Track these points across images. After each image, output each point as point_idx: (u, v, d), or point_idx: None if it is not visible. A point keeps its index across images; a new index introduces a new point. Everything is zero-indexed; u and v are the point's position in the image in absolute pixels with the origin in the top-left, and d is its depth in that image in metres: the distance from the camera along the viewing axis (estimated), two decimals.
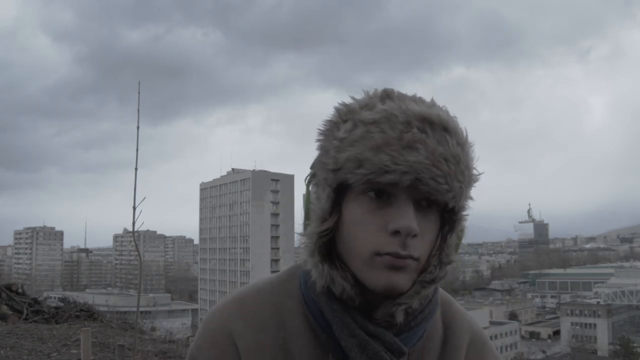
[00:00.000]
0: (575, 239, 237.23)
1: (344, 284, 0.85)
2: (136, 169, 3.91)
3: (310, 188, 0.91)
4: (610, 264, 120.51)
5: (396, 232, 0.81)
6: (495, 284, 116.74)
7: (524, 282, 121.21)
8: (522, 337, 71.91)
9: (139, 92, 3.82)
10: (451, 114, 0.88)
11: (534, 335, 78.22)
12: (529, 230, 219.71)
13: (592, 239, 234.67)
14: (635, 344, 57.33)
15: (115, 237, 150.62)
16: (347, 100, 0.90)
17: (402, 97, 0.87)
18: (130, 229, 3.84)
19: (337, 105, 0.89)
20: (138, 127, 3.83)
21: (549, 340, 74.90)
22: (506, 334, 64.38)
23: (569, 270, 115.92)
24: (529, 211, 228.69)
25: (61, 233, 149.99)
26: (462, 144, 0.84)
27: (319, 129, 0.89)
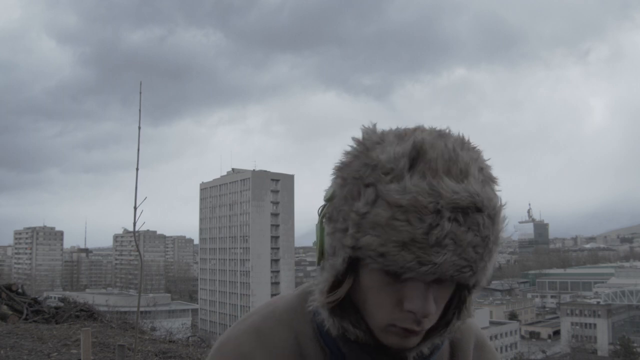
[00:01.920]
0: (575, 239, 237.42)
1: (357, 333, 0.85)
2: (137, 169, 3.91)
3: (324, 224, 0.85)
4: (610, 264, 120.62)
5: (411, 312, 0.78)
6: (495, 284, 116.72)
7: (524, 282, 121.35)
8: (522, 337, 71.97)
9: (140, 93, 3.82)
10: (479, 154, 0.83)
11: (534, 335, 78.24)
12: (529, 230, 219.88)
13: (592, 239, 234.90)
14: (635, 344, 57.40)
15: (115, 237, 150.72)
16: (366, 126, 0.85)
17: (435, 160, 0.77)
18: (130, 229, 3.84)
19: (356, 144, 0.82)
20: (139, 127, 3.83)
21: (549, 340, 74.94)
22: (506, 334, 64.42)
23: (569, 270, 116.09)
24: (529, 211, 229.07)
25: (61, 233, 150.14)
26: (494, 217, 0.78)
27: (337, 168, 0.84)
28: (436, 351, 0.92)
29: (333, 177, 0.84)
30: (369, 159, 0.79)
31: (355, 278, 0.82)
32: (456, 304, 0.86)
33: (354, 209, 0.77)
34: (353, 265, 0.81)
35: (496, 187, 0.82)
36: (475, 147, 0.84)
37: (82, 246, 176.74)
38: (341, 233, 0.80)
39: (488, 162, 0.84)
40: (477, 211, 0.76)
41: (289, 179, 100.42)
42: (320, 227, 0.86)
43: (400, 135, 0.81)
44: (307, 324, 0.91)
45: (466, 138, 0.84)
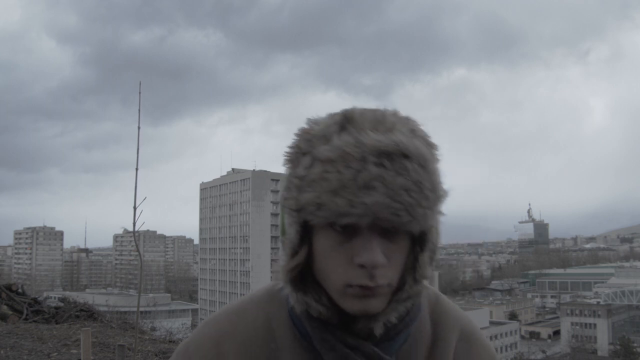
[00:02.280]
0: (575, 239, 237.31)
1: (319, 308, 0.87)
2: (137, 169, 3.91)
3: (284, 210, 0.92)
4: (610, 264, 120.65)
5: (362, 266, 0.82)
6: (495, 284, 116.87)
7: (524, 282, 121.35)
8: (522, 337, 71.96)
9: (139, 92, 3.83)
10: (414, 122, 0.88)
11: (534, 335, 78.25)
12: (529, 230, 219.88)
13: (592, 239, 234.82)
14: (635, 344, 57.39)
15: (115, 237, 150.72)
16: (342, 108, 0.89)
17: (362, 122, 0.84)
18: (130, 229, 3.84)
19: (297, 130, 0.89)
20: (139, 127, 3.83)
21: (549, 340, 74.95)
22: (506, 334, 64.42)
23: (569, 270, 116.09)
24: (529, 211, 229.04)
25: (61, 233, 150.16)
26: (425, 166, 0.82)
27: (284, 155, 0.89)
28: (405, 329, 0.93)
29: (285, 164, 0.90)
30: (306, 134, 0.87)
31: (310, 248, 0.87)
32: (411, 264, 0.88)
33: (295, 176, 0.85)
34: (306, 235, 0.87)
35: (434, 151, 0.86)
36: (409, 117, 0.88)
37: (82, 246, 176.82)
38: (288, 204, 0.86)
39: (423, 128, 0.88)
40: (404, 157, 0.80)
41: None
42: (282, 210, 0.92)
43: (333, 114, 0.89)
44: (281, 306, 0.95)
45: (402, 113, 0.89)
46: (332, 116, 0.88)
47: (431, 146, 0.87)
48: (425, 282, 0.91)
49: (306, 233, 0.87)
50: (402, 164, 0.80)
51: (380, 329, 0.88)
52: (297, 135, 0.89)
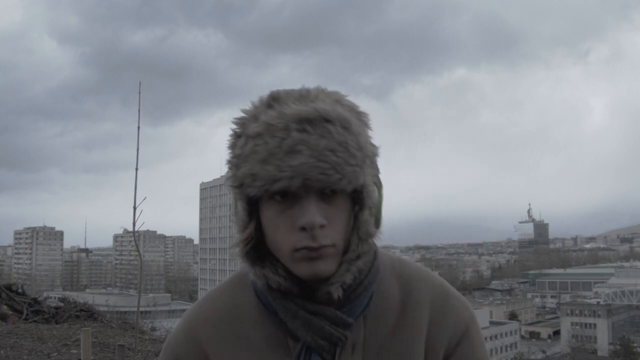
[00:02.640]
0: (575, 239, 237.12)
1: (278, 279, 0.92)
2: (137, 169, 3.91)
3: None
4: (610, 264, 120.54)
5: (303, 229, 0.87)
6: (495, 284, 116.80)
7: (524, 282, 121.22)
8: (522, 337, 71.93)
9: (139, 92, 3.82)
10: (339, 94, 0.94)
11: (534, 335, 78.21)
12: (529, 230, 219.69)
13: (592, 239, 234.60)
14: (635, 344, 57.37)
15: (115, 237, 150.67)
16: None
17: (287, 98, 0.90)
18: (130, 229, 3.84)
19: (233, 118, 0.95)
20: (139, 127, 3.83)
21: (549, 340, 74.91)
22: (506, 334, 64.41)
23: (569, 270, 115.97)
24: (529, 211, 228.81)
25: (61, 233, 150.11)
26: (348, 127, 0.87)
27: (227, 143, 0.96)
28: (365, 291, 0.96)
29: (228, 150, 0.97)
30: (240, 119, 0.93)
31: (259, 222, 0.93)
32: (355, 225, 0.93)
33: (233, 156, 0.92)
34: (254, 210, 0.93)
35: (363, 118, 0.94)
36: (337, 91, 0.95)
37: (82, 246, 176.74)
38: (230, 180, 0.93)
39: (350, 99, 0.95)
40: (326, 121, 0.86)
41: None
42: (235, 200, 0.97)
43: (262, 96, 0.95)
44: (247, 286, 1.01)
45: (329, 89, 0.95)
46: (260, 98, 0.94)
47: (358, 113, 0.93)
48: (374, 241, 0.96)
49: (253, 209, 0.93)
50: (324, 128, 0.86)
51: (337, 291, 0.91)
52: (233, 122, 0.94)
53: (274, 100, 0.91)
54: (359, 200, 0.92)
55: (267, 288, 0.95)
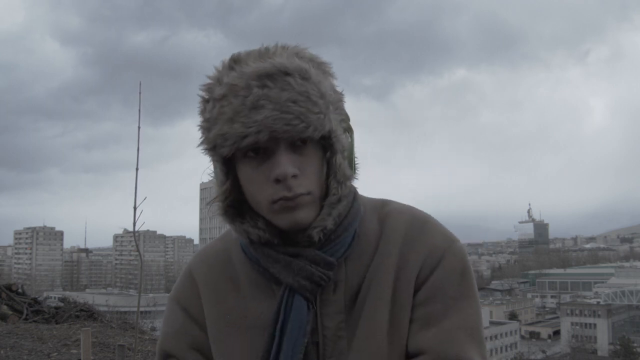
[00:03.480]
0: (575, 239, 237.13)
1: (258, 232, 0.96)
2: (137, 169, 3.91)
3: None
4: (610, 264, 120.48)
5: (277, 180, 0.90)
6: (495, 284, 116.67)
7: (524, 282, 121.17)
8: (522, 337, 71.90)
9: (140, 92, 3.82)
10: (299, 48, 0.96)
11: (534, 335, 78.17)
12: (529, 230, 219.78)
13: (592, 239, 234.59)
14: (635, 344, 57.34)
15: (115, 237, 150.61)
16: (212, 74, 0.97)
17: (247, 58, 0.93)
18: (130, 229, 3.83)
19: (200, 84, 0.97)
20: (139, 127, 3.83)
21: (549, 340, 74.87)
22: (506, 334, 64.39)
23: (569, 270, 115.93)
24: (529, 211, 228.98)
25: (61, 233, 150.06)
26: (307, 77, 0.90)
27: (198, 110, 0.98)
28: (345, 232, 0.99)
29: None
30: (206, 86, 0.96)
31: (235, 181, 0.97)
32: (329, 169, 0.96)
33: (203, 120, 0.95)
34: (230, 170, 0.97)
35: (324, 67, 0.97)
36: (297, 46, 0.97)
37: (82, 246, 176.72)
38: (203, 144, 0.96)
39: (311, 52, 0.97)
40: (286, 75, 0.89)
41: None
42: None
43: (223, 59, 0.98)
44: (236, 240, 1.07)
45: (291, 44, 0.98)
46: (223, 62, 0.96)
47: (319, 64, 0.96)
48: (350, 182, 0.99)
49: (229, 169, 0.96)
50: (284, 81, 0.88)
51: (318, 234, 0.94)
52: (200, 88, 0.97)
53: (234, 62, 0.93)
54: (329, 146, 0.95)
55: (249, 242, 0.99)
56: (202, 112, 0.96)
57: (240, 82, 0.89)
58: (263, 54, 0.93)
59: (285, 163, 0.90)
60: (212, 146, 0.93)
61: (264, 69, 0.89)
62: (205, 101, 0.95)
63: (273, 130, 0.87)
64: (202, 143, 0.96)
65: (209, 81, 0.96)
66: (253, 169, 0.93)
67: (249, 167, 0.93)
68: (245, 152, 0.92)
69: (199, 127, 0.96)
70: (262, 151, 0.92)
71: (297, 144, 0.92)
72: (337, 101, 0.97)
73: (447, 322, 0.93)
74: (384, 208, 1.06)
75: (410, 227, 1.01)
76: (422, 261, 0.98)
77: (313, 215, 0.94)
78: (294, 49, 0.95)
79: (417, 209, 1.06)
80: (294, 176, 0.90)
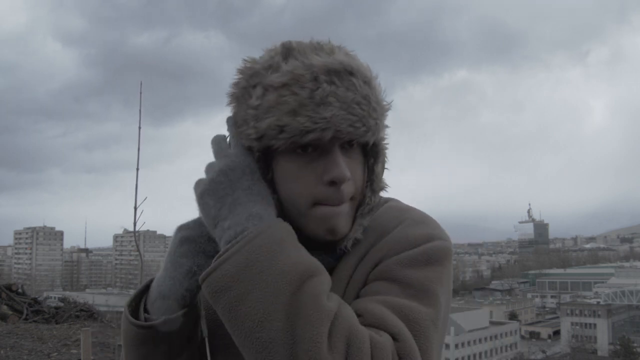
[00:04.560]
0: (575, 239, 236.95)
1: None
2: (137, 169, 3.91)
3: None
4: (610, 264, 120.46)
5: (332, 182, 0.87)
6: (495, 284, 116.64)
7: (524, 282, 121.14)
8: (522, 337, 71.86)
9: (140, 93, 3.82)
10: (351, 52, 0.93)
11: (534, 335, 78.16)
12: (529, 230, 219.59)
13: (592, 239, 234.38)
14: (635, 344, 57.34)
15: (115, 237, 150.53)
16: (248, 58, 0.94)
17: (303, 49, 0.89)
18: (130, 229, 3.83)
19: (239, 66, 0.93)
20: (140, 127, 3.83)
21: (549, 340, 74.85)
22: (506, 334, 64.34)
23: (569, 270, 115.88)
24: (529, 211, 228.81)
25: (61, 233, 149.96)
26: (369, 82, 0.90)
27: (229, 94, 0.94)
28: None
29: (230, 103, 0.95)
30: (250, 70, 0.91)
31: (272, 177, 0.91)
32: (368, 178, 0.95)
33: (249, 107, 0.88)
34: (266, 164, 0.91)
35: (371, 71, 0.94)
36: (340, 45, 0.94)
37: (82, 246, 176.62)
38: (246, 136, 0.90)
39: (355, 53, 0.95)
40: (350, 75, 0.87)
41: None
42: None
43: (270, 48, 0.94)
44: None
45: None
46: (270, 50, 0.92)
47: (371, 71, 0.94)
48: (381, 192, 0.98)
49: (269, 163, 0.91)
50: (350, 81, 0.87)
51: (350, 246, 0.94)
52: (239, 72, 0.92)
53: (288, 51, 0.89)
54: (373, 153, 0.94)
55: None
56: (241, 99, 0.91)
57: (307, 73, 0.85)
58: (317, 47, 0.90)
59: (344, 165, 0.87)
60: (259, 136, 0.87)
61: (332, 65, 0.86)
62: (251, 86, 0.90)
63: (338, 129, 0.85)
64: (244, 131, 0.90)
65: (250, 65, 0.92)
66: (301, 166, 0.88)
67: (295, 163, 0.88)
68: (294, 147, 0.87)
69: (237, 116, 0.92)
70: (312, 149, 0.88)
71: (346, 147, 0.89)
72: (386, 110, 0.95)
73: (385, 296, 0.87)
74: (391, 207, 1.04)
75: (397, 224, 0.98)
76: (394, 251, 0.93)
77: (349, 227, 0.92)
78: (344, 49, 0.93)
79: (417, 210, 1.04)
80: (347, 180, 0.88)
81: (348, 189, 0.89)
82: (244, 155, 0.91)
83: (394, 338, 0.79)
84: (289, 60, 0.87)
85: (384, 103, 0.94)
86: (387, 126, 0.96)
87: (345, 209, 0.90)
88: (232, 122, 0.94)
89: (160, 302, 0.93)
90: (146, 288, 0.97)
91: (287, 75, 0.85)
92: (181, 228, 0.97)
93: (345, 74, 0.87)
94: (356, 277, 0.94)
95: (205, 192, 0.88)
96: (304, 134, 0.84)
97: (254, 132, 0.88)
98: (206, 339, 0.93)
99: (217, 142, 0.95)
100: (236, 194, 0.87)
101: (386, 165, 0.99)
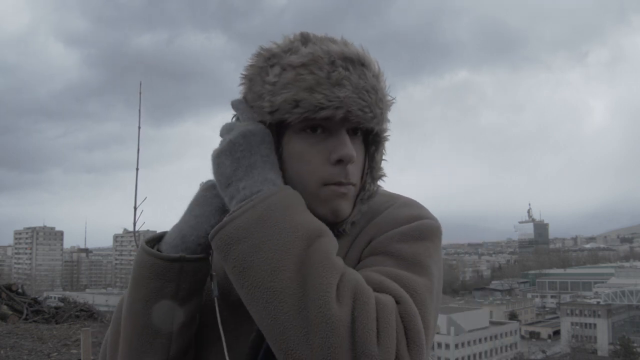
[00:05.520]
0: (575, 239, 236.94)
1: None
2: (137, 169, 3.91)
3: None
4: (610, 264, 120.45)
5: (339, 161, 0.93)
6: (495, 284, 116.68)
7: (524, 282, 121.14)
8: (522, 337, 71.88)
9: (140, 93, 3.82)
10: (363, 49, 1.00)
11: (534, 335, 78.18)
12: (529, 230, 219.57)
13: (592, 239, 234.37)
14: (635, 344, 57.35)
15: (115, 237, 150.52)
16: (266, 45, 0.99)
17: (321, 39, 0.97)
18: (130, 229, 3.83)
19: (258, 50, 0.99)
20: (139, 127, 3.83)
21: (549, 340, 74.87)
22: (506, 334, 64.36)
23: (569, 270, 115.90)
24: (529, 211, 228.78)
25: (61, 233, 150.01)
26: (377, 76, 0.97)
27: (243, 74, 1.00)
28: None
29: (242, 84, 1.01)
30: (268, 53, 0.97)
31: (281, 155, 0.96)
32: (369, 164, 1.02)
33: (266, 83, 0.94)
34: (277, 139, 0.96)
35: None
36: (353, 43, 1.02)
37: (82, 246, 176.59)
38: (259, 109, 0.95)
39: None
40: (363, 65, 0.95)
41: None
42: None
43: (287, 35, 1.01)
44: None
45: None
46: (289, 36, 0.99)
47: (377, 63, 1.01)
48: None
49: (280, 139, 0.96)
50: (362, 71, 0.94)
51: (348, 228, 1.00)
52: (258, 54, 0.99)
53: (307, 39, 0.97)
54: (375, 142, 1.01)
55: None
56: (260, 77, 0.96)
57: (326, 57, 0.92)
58: (333, 40, 0.98)
59: (351, 145, 0.93)
60: (274, 109, 0.93)
61: (349, 54, 0.94)
62: (269, 66, 0.95)
63: (349, 110, 0.91)
64: (259, 104, 0.95)
65: (269, 48, 0.97)
66: (310, 145, 0.94)
67: (305, 142, 0.94)
68: (304, 126, 0.93)
69: (251, 92, 0.97)
70: (321, 130, 0.94)
71: (350, 134, 0.95)
72: (390, 105, 1.01)
73: (379, 267, 0.92)
74: (384, 195, 1.08)
75: (387, 207, 1.04)
76: (386, 229, 0.99)
77: (351, 209, 0.98)
78: (352, 43, 1.00)
79: (408, 198, 1.09)
80: (353, 162, 0.94)
81: (353, 172, 0.94)
82: (262, 125, 0.96)
83: (396, 301, 0.83)
84: (309, 45, 0.95)
85: (389, 98, 1.00)
86: (389, 120, 1.02)
87: (351, 191, 0.96)
88: (241, 102, 0.99)
89: (179, 240, 0.96)
90: (164, 234, 1.00)
91: (307, 56, 0.92)
92: (207, 182, 1.01)
93: (358, 64, 0.94)
94: (350, 256, 0.98)
95: (223, 152, 0.93)
96: (318, 110, 0.89)
97: (269, 105, 0.93)
98: (216, 300, 0.94)
99: (238, 106, 1.00)
100: (254, 158, 0.92)
101: (384, 157, 1.05)
